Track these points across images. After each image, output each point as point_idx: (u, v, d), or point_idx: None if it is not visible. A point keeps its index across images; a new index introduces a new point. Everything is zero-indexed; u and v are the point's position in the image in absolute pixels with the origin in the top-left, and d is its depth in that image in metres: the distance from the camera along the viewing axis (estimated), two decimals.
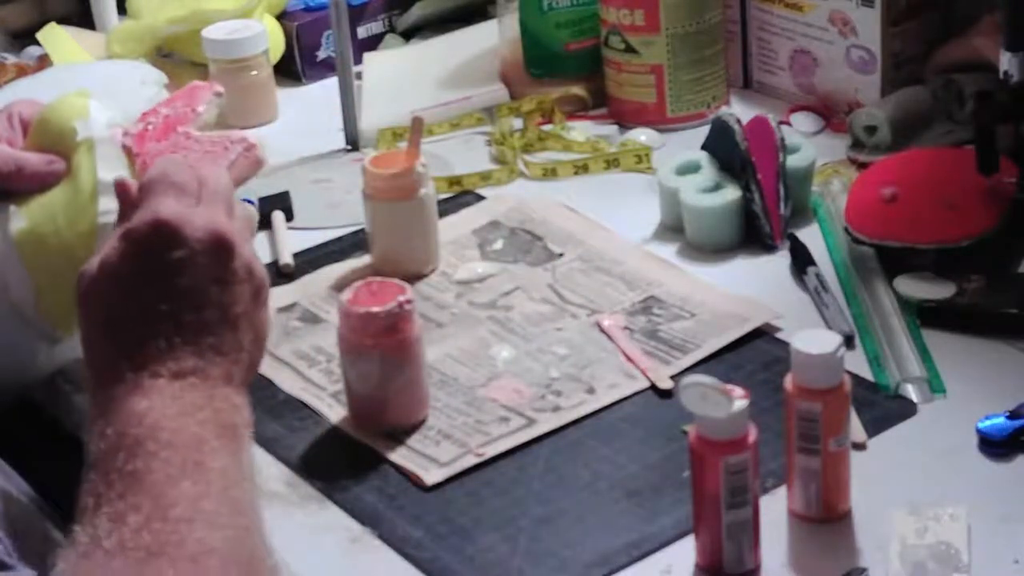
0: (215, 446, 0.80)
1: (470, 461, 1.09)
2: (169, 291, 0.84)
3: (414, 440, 1.12)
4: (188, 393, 0.82)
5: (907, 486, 1.03)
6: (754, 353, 1.19)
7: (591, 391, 1.16)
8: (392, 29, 1.84)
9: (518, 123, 1.60)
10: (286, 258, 1.37)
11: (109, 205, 1.06)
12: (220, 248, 0.86)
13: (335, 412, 1.16)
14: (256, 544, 0.79)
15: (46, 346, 1.14)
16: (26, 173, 1.08)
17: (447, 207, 1.43)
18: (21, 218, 1.10)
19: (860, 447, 1.07)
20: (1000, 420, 1.07)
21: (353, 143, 1.59)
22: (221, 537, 0.76)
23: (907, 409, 1.11)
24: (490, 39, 1.70)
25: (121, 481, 0.76)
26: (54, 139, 1.11)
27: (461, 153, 1.57)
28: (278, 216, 1.43)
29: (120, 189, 0.91)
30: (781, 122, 1.49)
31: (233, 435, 0.83)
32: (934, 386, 1.13)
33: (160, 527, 0.74)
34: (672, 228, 1.38)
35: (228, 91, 1.61)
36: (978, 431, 1.07)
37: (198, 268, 0.85)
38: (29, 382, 1.18)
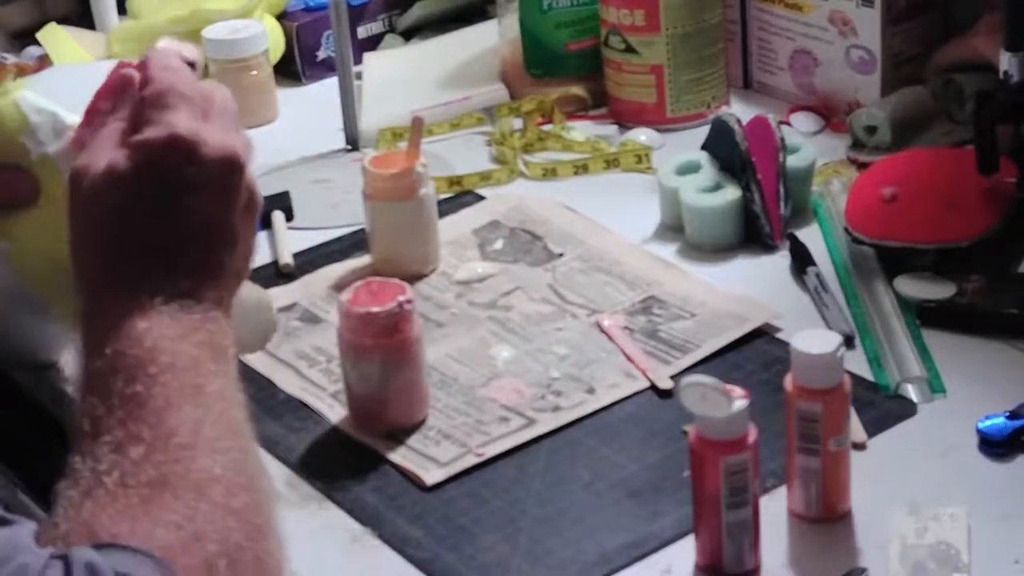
0: (212, 368, 0.79)
1: (470, 461, 1.09)
2: (178, 209, 0.82)
3: (414, 440, 1.12)
4: (186, 314, 0.80)
5: (907, 486, 1.03)
6: (754, 353, 1.19)
7: (591, 391, 1.16)
8: (392, 29, 1.83)
9: (518, 123, 1.60)
10: (286, 258, 1.37)
11: None
12: (232, 167, 0.83)
13: (335, 412, 1.16)
14: (254, 464, 0.78)
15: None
16: None
17: (447, 207, 1.43)
18: (6, 241, 1.10)
19: (860, 447, 1.07)
20: (1000, 420, 1.07)
21: (353, 143, 1.59)
22: (223, 462, 0.75)
23: (907, 409, 1.11)
24: (490, 39, 1.70)
25: (122, 406, 0.75)
26: (3, 150, 1.09)
27: (461, 153, 1.57)
28: (278, 216, 1.43)
29: (123, 81, 0.87)
30: (781, 122, 1.49)
31: (225, 357, 0.81)
32: (934, 386, 1.13)
33: (162, 458, 0.73)
34: (672, 228, 1.38)
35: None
36: (978, 431, 1.07)
37: (209, 187, 0.82)
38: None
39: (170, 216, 0.82)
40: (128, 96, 0.86)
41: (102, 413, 0.75)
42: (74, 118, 0.98)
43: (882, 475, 1.04)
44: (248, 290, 1.01)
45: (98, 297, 0.81)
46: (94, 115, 0.89)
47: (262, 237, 1.41)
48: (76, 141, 0.89)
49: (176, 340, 0.78)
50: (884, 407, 1.12)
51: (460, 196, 1.48)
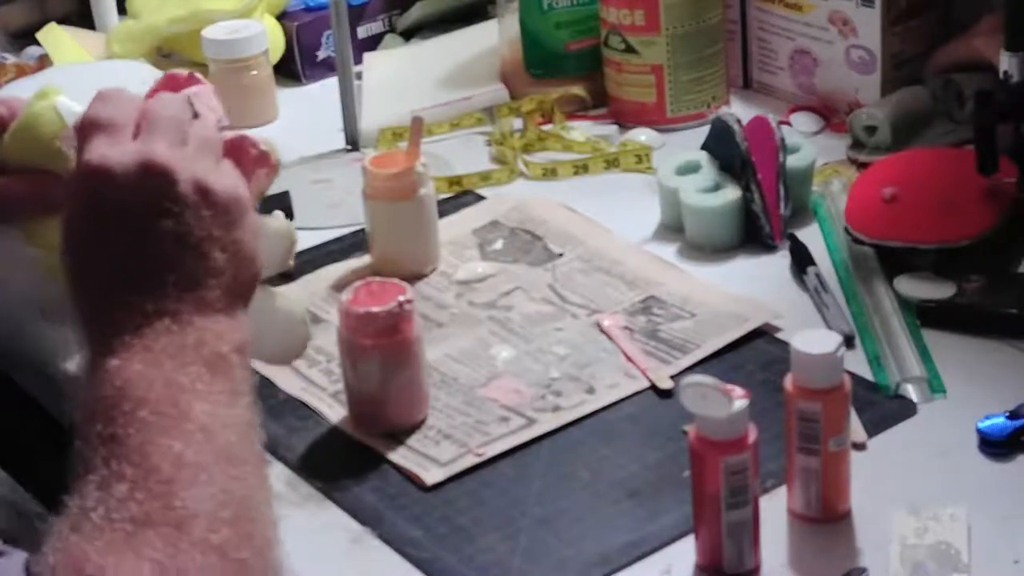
0: (198, 388, 0.78)
1: (470, 461, 1.09)
2: (114, 238, 0.81)
3: (414, 440, 1.12)
4: (161, 339, 0.79)
5: (907, 486, 1.03)
6: (754, 353, 1.19)
7: (591, 391, 1.16)
8: (392, 29, 1.84)
9: (518, 123, 1.60)
10: None
11: None
12: (154, 178, 0.81)
13: (335, 412, 1.16)
14: (248, 489, 0.77)
15: None
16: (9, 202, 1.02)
17: (447, 207, 1.43)
18: (38, 248, 1.08)
19: (860, 447, 1.07)
20: (1000, 420, 1.07)
21: (353, 143, 1.59)
22: (206, 495, 0.74)
23: (907, 409, 1.11)
24: (490, 39, 1.70)
25: (103, 446, 0.75)
26: (34, 154, 1.07)
27: (461, 153, 1.57)
28: (278, 216, 1.43)
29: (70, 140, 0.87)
30: (781, 122, 1.49)
31: (220, 365, 0.80)
32: (934, 386, 1.13)
33: (144, 495, 0.73)
34: (672, 228, 1.38)
35: (228, 91, 1.62)
36: (978, 431, 1.07)
37: (138, 206, 0.80)
38: None
39: (110, 247, 0.81)
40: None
41: (88, 455, 0.75)
42: None
43: (882, 475, 1.04)
44: (279, 302, 1.01)
45: (80, 340, 0.81)
46: None
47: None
48: None
49: (149, 370, 0.77)
50: (884, 407, 1.12)
51: (460, 196, 1.48)
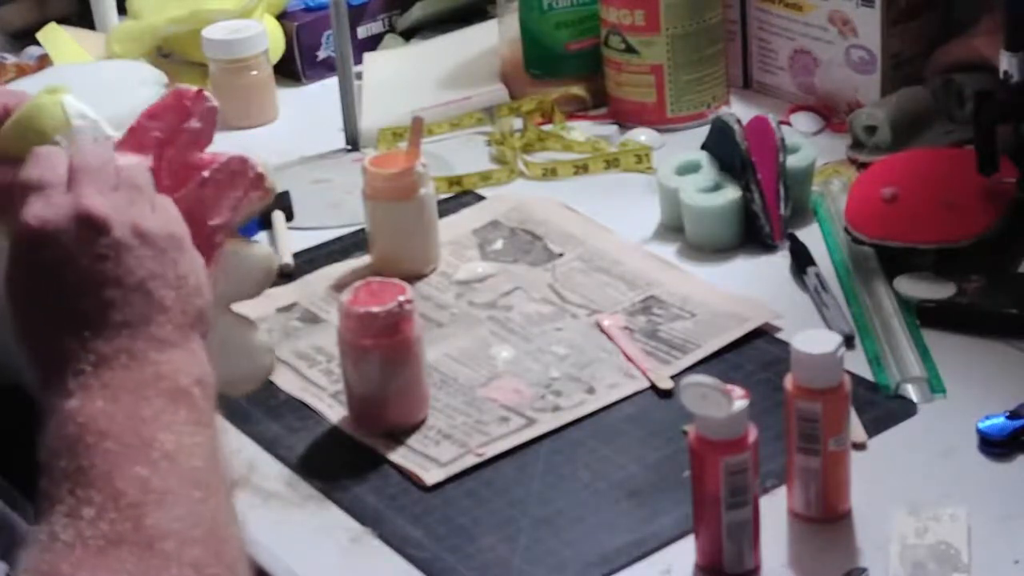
0: (161, 420, 0.79)
1: (470, 461, 1.09)
2: (55, 289, 0.82)
3: (414, 440, 1.12)
4: (117, 376, 0.80)
5: (907, 486, 1.03)
6: (754, 353, 1.19)
7: (591, 391, 1.16)
8: (392, 29, 1.84)
9: (518, 123, 1.60)
10: (286, 258, 1.37)
11: None
12: (89, 227, 0.82)
13: (335, 412, 1.16)
14: (215, 511, 0.78)
15: None
16: None
17: (447, 207, 1.43)
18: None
19: (860, 447, 1.07)
20: (1000, 420, 1.07)
21: (353, 143, 1.59)
22: (175, 516, 0.75)
23: (907, 409, 1.11)
24: (490, 39, 1.70)
25: (68, 480, 0.76)
26: (32, 146, 1.06)
27: (461, 153, 1.56)
28: (278, 216, 1.43)
29: (178, 105, 0.90)
30: (781, 122, 1.49)
31: (180, 397, 0.81)
32: (934, 386, 1.13)
33: (114, 516, 0.74)
34: (672, 228, 1.38)
35: (228, 91, 1.63)
36: (978, 431, 1.07)
37: (75, 257, 0.82)
38: None
39: (52, 298, 0.82)
40: (175, 121, 0.89)
41: (53, 491, 0.76)
42: (112, 132, 0.98)
43: (882, 475, 1.04)
44: (237, 331, 0.99)
45: (37, 385, 0.82)
46: (138, 133, 0.91)
47: (262, 237, 1.41)
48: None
49: (109, 406, 0.78)
50: (884, 407, 1.12)
51: (460, 196, 1.48)
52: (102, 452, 0.77)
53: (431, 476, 1.08)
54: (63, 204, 0.83)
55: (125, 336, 0.81)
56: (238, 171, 0.92)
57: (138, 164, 0.88)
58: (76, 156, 0.87)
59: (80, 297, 0.82)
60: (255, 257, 0.99)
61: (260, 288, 1.02)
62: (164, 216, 0.86)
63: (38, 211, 0.83)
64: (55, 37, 1.75)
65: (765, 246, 1.33)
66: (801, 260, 1.30)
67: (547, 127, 1.59)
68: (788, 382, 0.98)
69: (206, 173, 0.92)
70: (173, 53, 1.76)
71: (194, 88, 0.93)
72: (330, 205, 1.49)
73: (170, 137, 0.91)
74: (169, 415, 0.80)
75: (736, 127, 1.35)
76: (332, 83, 1.59)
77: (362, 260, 1.36)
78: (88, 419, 0.78)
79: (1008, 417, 1.07)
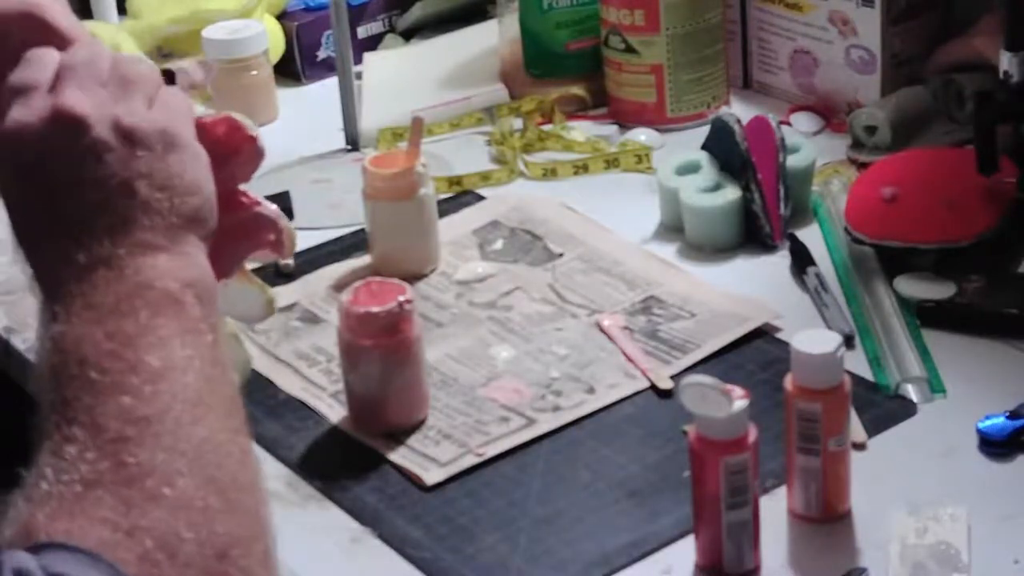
0: (146, 335, 0.75)
1: (470, 461, 1.09)
2: (35, 193, 0.79)
3: (414, 440, 1.12)
4: (99, 290, 0.76)
5: (907, 486, 1.03)
6: (754, 353, 1.19)
7: (591, 391, 1.16)
8: (392, 29, 1.84)
9: (518, 123, 1.60)
10: (286, 258, 1.37)
11: None
12: (66, 128, 0.79)
13: (335, 412, 1.16)
14: (210, 430, 0.74)
15: None
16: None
17: (447, 207, 1.43)
18: None
19: (860, 447, 1.07)
20: (1000, 420, 1.07)
21: (353, 143, 1.59)
22: (161, 446, 0.72)
23: (907, 409, 1.11)
24: (490, 39, 1.70)
25: (54, 413, 0.73)
26: None
27: (461, 153, 1.57)
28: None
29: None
30: (781, 122, 1.49)
31: (169, 305, 0.77)
32: (934, 386, 1.13)
33: (93, 455, 0.71)
34: (672, 228, 1.38)
35: (228, 91, 1.63)
36: (978, 431, 1.07)
37: (53, 159, 0.79)
38: None
39: (36, 203, 0.79)
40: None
41: (43, 425, 0.74)
42: None
43: (882, 475, 1.04)
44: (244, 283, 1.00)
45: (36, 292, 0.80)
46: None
47: None
48: None
49: (90, 327, 0.75)
50: (884, 407, 1.12)
51: (460, 196, 1.48)
52: (84, 382, 0.74)
53: (431, 476, 1.08)
54: (42, 105, 0.80)
55: (107, 243, 0.78)
56: (265, 227, 0.92)
57: (135, 57, 0.84)
58: (64, 55, 0.83)
59: (60, 201, 0.78)
60: (257, 295, 0.99)
61: (258, 322, 1.02)
62: (161, 111, 0.82)
63: (16, 114, 0.80)
64: None
65: (765, 246, 1.33)
66: (801, 260, 1.30)
67: (547, 127, 1.59)
68: (788, 382, 0.98)
69: (243, 213, 0.92)
70: (173, 53, 1.76)
71: (252, 130, 0.91)
72: (330, 205, 1.49)
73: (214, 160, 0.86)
74: (155, 328, 0.76)
75: (736, 127, 1.35)
76: (332, 83, 1.59)
77: (362, 260, 1.36)
78: (70, 346, 0.75)
79: (1008, 417, 1.07)
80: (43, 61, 0.83)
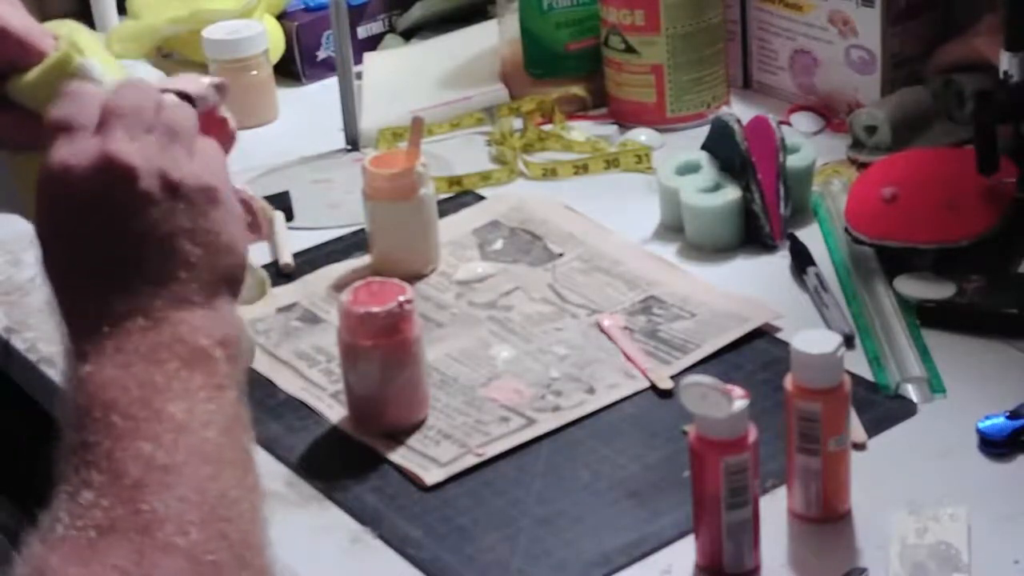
0: (174, 387, 0.75)
1: (470, 461, 1.09)
2: (78, 239, 0.78)
3: (414, 440, 1.12)
4: (133, 338, 0.76)
5: (907, 486, 1.03)
6: (754, 353, 1.19)
7: (591, 391, 1.16)
8: (392, 29, 1.84)
9: (518, 123, 1.60)
10: (286, 258, 1.37)
11: None
12: (113, 175, 0.78)
13: (335, 412, 1.16)
14: (226, 486, 0.74)
15: None
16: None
17: (447, 207, 1.43)
18: (27, 190, 1.04)
19: (860, 447, 1.07)
20: (1000, 420, 1.07)
21: (353, 143, 1.59)
22: (177, 496, 0.71)
23: (907, 409, 1.11)
24: (490, 39, 1.70)
25: (75, 455, 0.73)
26: (55, 97, 1.04)
27: (461, 153, 1.57)
28: (278, 216, 1.43)
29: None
30: (781, 122, 1.49)
31: (200, 361, 0.77)
32: (934, 386, 1.13)
33: (109, 502, 0.71)
34: (672, 228, 1.38)
35: (228, 91, 1.63)
36: (978, 431, 1.07)
37: (98, 206, 0.78)
38: None
39: (73, 248, 0.78)
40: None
41: (63, 466, 0.73)
42: None
43: (882, 475, 1.04)
44: None
45: (62, 340, 0.79)
46: None
47: None
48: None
49: (120, 373, 0.75)
50: (884, 407, 1.12)
51: (460, 196, 1.48)
52: (107, 426, 0.73)
53: (431, 476, 1.08)
54: (88, 148, 0.79)
55: (145, 294, 0.77)
56: (211, 115, 0.89)
57: (180, 104, 0.84)
58: (111, 96, 0.82)
59: (100, 249, 0.78)
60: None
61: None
62: (201, 164, 0.81)
63: (63, 153, 0.79)
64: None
65: (765, 246, 1.33)
66: (801, 260, 1.30)
67: (547, 127, 1.59)
68: (788, 382, 0.98)
69: None
70: (173, 53, 1.76)
71: (223, 112, 0.90)
72: (330, 205, 1.49)
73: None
74: (183, 380, 0.75)
75: (736, 127, 1.35)
76: (332, 83, 1.59)
77: (362, 260, 1.36)
78: (97, 388, 0.74)
79: (1008, 417, 1.07)
80: (86, 99, 0.82)
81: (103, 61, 0.98)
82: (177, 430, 0.74)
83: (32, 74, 0.94)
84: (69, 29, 0.97)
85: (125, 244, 0.78)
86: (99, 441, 0.73)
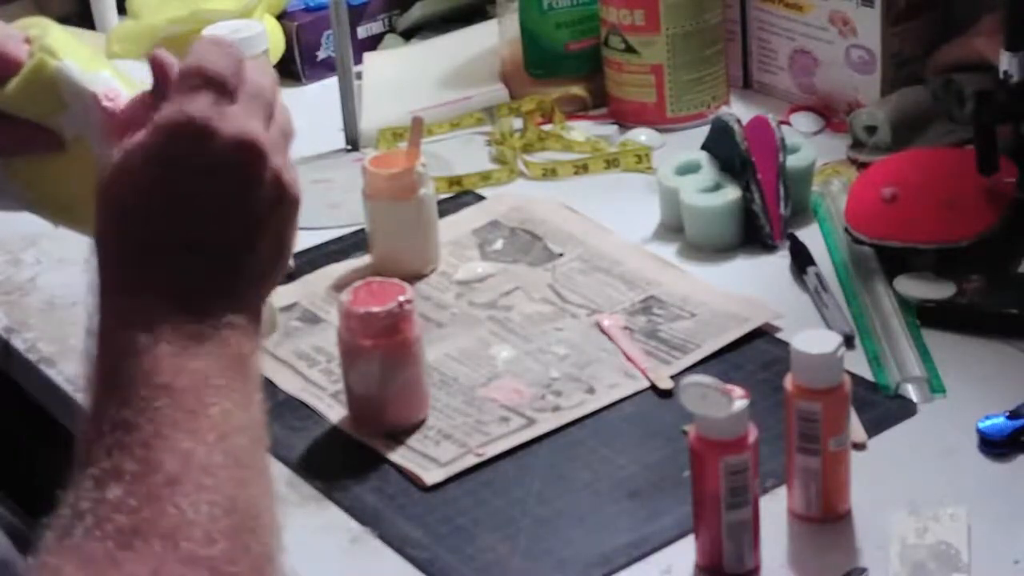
0: (218, 384, 0.73)
1: (470, 461, 1.09)
2: (186, 200, 0.75)
3: (414, 440, 1.12)
4: (193, 323, 0.74)
5: (907, 486, 1.03)
6: (754, 353, 1.19)
7: (591, 391, 1.16)
8: (392, 29, 1.84)
9: (518, 123, 1.60)
10: None
11: None
12: (246, 157, 0.76)
13: (335, 412, 1.16)
14: (254, 496, 0.72)
15: None
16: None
17: (447, 207, 1.43)
18: (31, 190, 1.04)
19: (860, 447, 1.07)
20: (1000, 420, 1.07)
21: (353, 143, 1.59)
22: (207, 501, 0.69)
23: (907, 409, 1.11)
24: (490, 39, 1.70)
25: (111, 432, 0.70)
26: (38, 111, 1.03)
27: (461, 153, 1.57)
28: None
29: (156, 65, 0.83)
30: (781, 122, 1.49)
31: (241, 365, 0.75)
32: (934, 386, 1.13)
33: (137, 502, 0.68)
34: (672, 228, 1.38)
35: None
36: (978, 431, 1.07)
37: (221, 177, 0.76)
38: None
39: (178, 208, 0.75)
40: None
41: (93, 437, 0.71)
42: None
43: (882, 475, 1.04)
44: None
45: (103, 296, 0.75)
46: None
47: None
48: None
49: (178, 355, 0.73)
50: (884, 407, 1.12)
51: (460, 196, 1.48)
52: (154, 410, 0.71)
53: (431, 476, 1.08)
54: (235, 119, 0.77)
55: (217, 282, 0.76)
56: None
57: (285, 106, 0.82)
58: (247, 70, 0.79)
59: (200, 217, 0.76)
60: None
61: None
62: (295, 173, 0.80)
63: (208, 111, 0.76)
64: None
65: (765, 246, 1.33)
66: (801, 260, 1.30)
67: (547, 127, 1.59)
68: (788, 382, 0.98)
69: None
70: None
71: None
72: (330, 205, 1.49)
73: None
74: (228, 381, 0.74)
75: (736, 127, 1.35)
76: (332, 83, 1.59)
77: (362, 260, 1.36)
78: (154, 363, 0.72)
79: (1008, 417, 1.07)
80: (228, 57, 0.79)
81: (80, 58, 0.97)
82: (217, 431, 0.72)
83: (10, 86, 0.95)
84: (40, 29, 0.96)
85: (223, 225, 0.76)
86: (140, 424, 0.70)
